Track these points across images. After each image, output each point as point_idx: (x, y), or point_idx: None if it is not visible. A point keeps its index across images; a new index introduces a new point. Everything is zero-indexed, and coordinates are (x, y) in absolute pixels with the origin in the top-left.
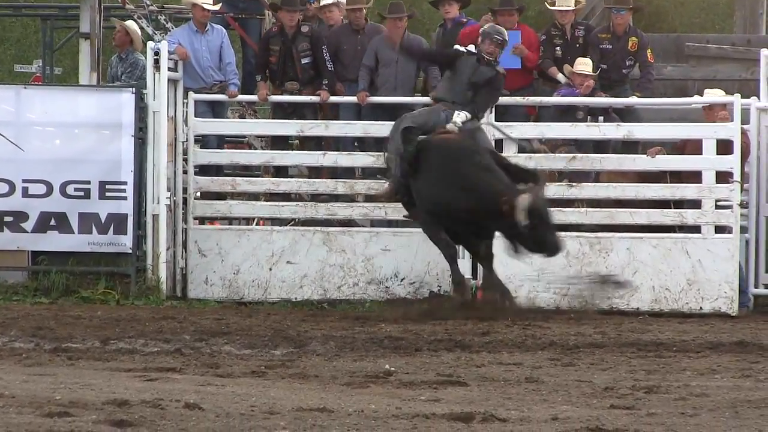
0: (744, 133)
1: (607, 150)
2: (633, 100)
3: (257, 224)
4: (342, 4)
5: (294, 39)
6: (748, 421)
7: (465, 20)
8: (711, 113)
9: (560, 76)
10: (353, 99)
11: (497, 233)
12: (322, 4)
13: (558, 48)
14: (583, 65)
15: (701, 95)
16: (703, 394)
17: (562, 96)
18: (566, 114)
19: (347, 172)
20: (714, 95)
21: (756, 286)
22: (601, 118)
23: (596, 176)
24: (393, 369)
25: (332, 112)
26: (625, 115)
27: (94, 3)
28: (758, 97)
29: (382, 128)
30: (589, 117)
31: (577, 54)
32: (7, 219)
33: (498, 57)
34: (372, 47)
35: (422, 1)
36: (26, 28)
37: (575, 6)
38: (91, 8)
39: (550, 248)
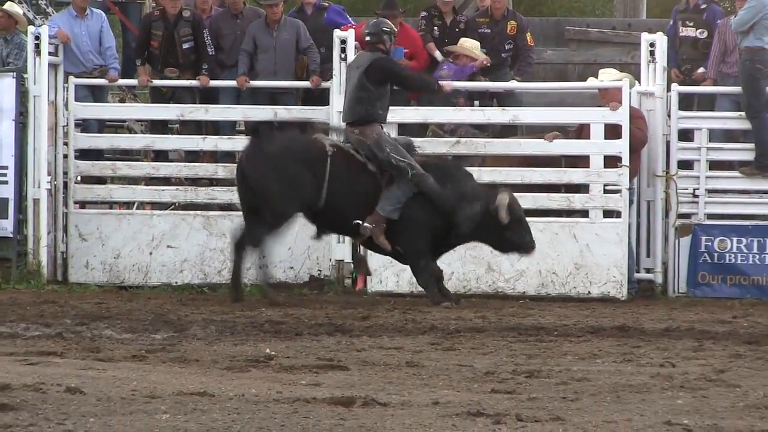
0: (641, 117)
1: (487, 133)
2: (515, 84)
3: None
4: None
5: (176, 24)
6: (629, 406)
7: (326, 5)
8: (607, 94)
9: (437, 54)
10: (233, 83)
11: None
12: None
13: (436, 28)
14: (471, 45)
15: (582, 80)
16: (585, 379)
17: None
18: (447, 96)
19: (227, 157)
20: (608, 76)
21: (637, 271)
22: (476, 102)
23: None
24: (273, 353)
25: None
26: (505, 98)
27: None
28: (639, 81)
29: (261, 112)
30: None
31: (457, 38)
32: None
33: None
34: (250, 32)
35: None
36: None
37: None
38: None
39: (528, 246)
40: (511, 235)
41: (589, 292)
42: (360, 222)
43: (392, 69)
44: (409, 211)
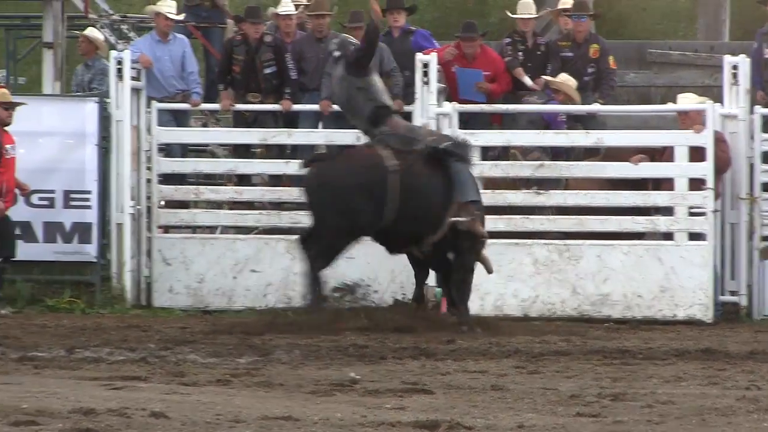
0: (723, 141)
1: (571, 157)
2: (598, 107)
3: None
4: (299, 14)
5: (258, 49)
6: (714, 429)
7: (413, 29)
8: (687, 119)
9: (526, 79)
10: (315, 107)
11: None
12: (280, 12)
13: (521, 53)
14: (573, 84)
15: (664, 102)
16: (670, 402)
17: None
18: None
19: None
20: (687, 101)
21: (721, 293)
22: (565, 124)
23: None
24: (358, 377)
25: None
26: (588, 121)
27: (58, 13)
28: (721, 103)
29: (345, 136)
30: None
31: (538, 61)
32: None
33: None
34: None
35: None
36: None
37: (536, 15)
38: (55, 18)
39: None
40: None
41: (674, 315)
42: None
43: None
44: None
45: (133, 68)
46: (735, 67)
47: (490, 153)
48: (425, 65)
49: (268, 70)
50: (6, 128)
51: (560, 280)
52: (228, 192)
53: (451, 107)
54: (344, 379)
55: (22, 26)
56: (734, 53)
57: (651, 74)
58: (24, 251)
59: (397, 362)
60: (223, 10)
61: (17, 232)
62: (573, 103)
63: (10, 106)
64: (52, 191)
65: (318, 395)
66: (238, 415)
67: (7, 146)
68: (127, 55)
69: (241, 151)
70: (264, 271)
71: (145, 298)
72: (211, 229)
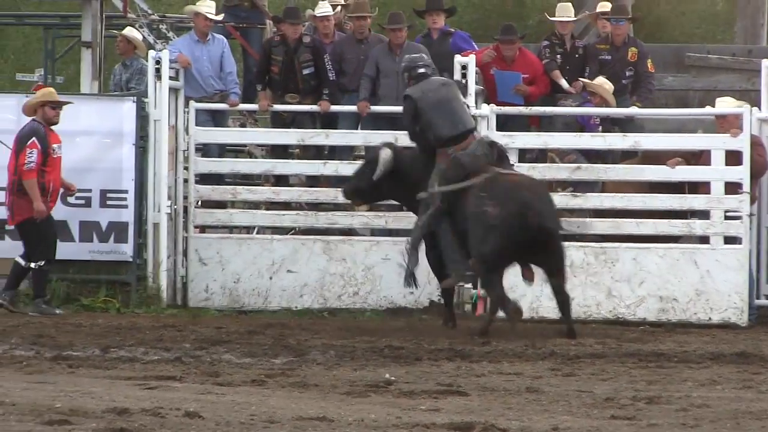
0: (761, 144)
1: (608, 160)
2: (635, 110)
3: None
4: (337, 15)
5: (296, 49)
6: None
7: (452, 30)
8: (725, 122)
9: (563, 82)
10: (353, 108)
11: None
12: (317, 14)
13: (559, 56)
14: (610, 88)
15: (702, 106)
16: (705, 405)
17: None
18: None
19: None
20: (725, 104)
21: (758, 297)
22: (599, 127)
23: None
24: (393, 378)
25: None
26: (626, 125)
27: (96, 12)
28: (759, 107)
29: (383, 137)
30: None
31: (576, 64)
32: (9, 227)
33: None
34: (373, 57)
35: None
36: (28, 37)
37: (575, 17)
38: (93, 17)
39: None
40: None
41: (709, 318)
42: None
43: None
44: None
45: (171, 68)
46: None
47: (527, 155)
48: (464, 67)
49: (306, 71)
50: (52, 127)
51: (596, 283)
52: (265, 192)
53: (489, 109)
54: (379, 380)
55: (61, 25)
56: None
57: (689, 78)
58: (60, 250)
59: (432, 364)
60: (262, 11)
61: None
62: (609, 106)
63: (57, 106)
64: (88, 190)
65: (353, 396)
66: (272, 415)
67: (54, 146)
68: (165, 55)
69: (279, 151)
70: (300, 271)
71: (181, 297)
72: (248, 229)
